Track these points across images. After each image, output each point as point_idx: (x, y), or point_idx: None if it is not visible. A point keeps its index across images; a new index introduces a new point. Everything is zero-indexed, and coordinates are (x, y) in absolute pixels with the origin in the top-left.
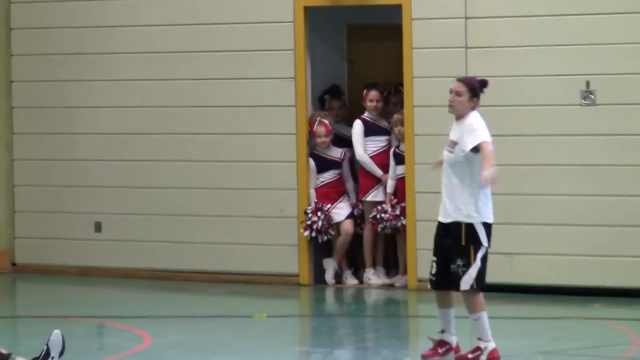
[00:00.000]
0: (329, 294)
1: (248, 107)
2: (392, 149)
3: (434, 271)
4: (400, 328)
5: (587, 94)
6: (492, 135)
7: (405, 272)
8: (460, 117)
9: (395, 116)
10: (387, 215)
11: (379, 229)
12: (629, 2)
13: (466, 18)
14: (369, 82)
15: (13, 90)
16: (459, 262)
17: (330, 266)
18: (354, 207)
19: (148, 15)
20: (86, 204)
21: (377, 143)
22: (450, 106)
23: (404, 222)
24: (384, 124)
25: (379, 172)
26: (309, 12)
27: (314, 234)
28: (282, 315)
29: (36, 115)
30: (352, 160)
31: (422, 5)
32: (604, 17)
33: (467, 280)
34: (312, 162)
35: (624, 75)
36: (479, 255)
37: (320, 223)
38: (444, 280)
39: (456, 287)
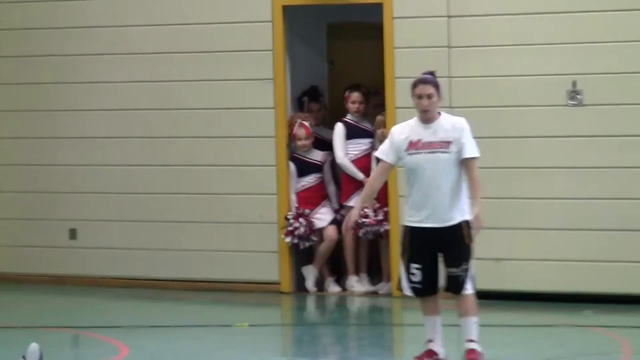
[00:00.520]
0: (311, 302)
1: (226, 110)
2: (374, 153)
3: (417, 279)
4: (385, 336)
5: (574, 94)
6: (474, 137)
7: (389, 279)
8: (431, 119)
9: (378, 118)
10: (369, 220)
11: (361, 234)
12: (614, 0)
13: (449, 17)
14: (350, 83)
15: None
16: (464, 265)
17: (310, 274)
18: (336, 212)
19: (129, 16)
20: (60, 210)
21: (360, 146)
22: (425, 111)
23: (387, 227)
24: (366, 125)
25: (360, 175)
26: (288, 11)
27: (295, 240)
28: (264, 324)
29: (9, 119)
30: (334, 163)
31: (404, 4)
32: (591, 15)
33: (470, 282)
34: (292, 166)
35: (611, 75)
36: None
37: (302, 229)
38: (433, 287)
39: (459, 290)
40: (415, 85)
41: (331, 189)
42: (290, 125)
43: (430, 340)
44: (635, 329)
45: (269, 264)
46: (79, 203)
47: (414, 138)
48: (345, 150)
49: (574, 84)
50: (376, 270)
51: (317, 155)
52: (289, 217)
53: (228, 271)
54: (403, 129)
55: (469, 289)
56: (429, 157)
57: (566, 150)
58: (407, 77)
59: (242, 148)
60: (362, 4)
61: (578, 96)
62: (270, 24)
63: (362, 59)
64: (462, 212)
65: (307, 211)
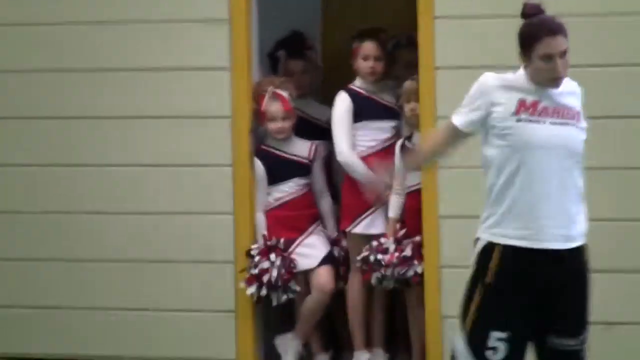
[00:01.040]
0: None
1: (147, 70)
2: (398, 143)
3: (500, 356)
4: None
5: None
6: None
7: (423, 357)
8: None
9: (407, 84)
10: (388, 257)
11: (374, 282)
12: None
13: None
14: (362, 26)
15: None
16: (586, 331)
17: (288, 348)
18: (333, 243)
19: None
20: None
21: (376, 132)
22: (558, 79)
23: (418, 269)
24: (387, 99)
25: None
26: None
27: (263, 291)
28: None
29: None
30: (331, 162)
31: None
32: None
33: None
34: (260, 166)
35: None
36: None
37: (275, 272)
38: None
39: None
40: (536, 36)
41: (325, 204)
42: (258, 97)
43: None
44: None
45: (220, 331)
46: None
47: (529, 98)
48: (351, 139)
49: None
50: (399, 341)
51: (302, 148)
52: (253, 252)
53: (150, 344)
54: (507, 79)
55: None
56: (556, 131)
57: None
58: (453, 15)
59: (173, 135)
60: None
61: None
62: None
63: None
64: (583, 229)
65: (283, 242)
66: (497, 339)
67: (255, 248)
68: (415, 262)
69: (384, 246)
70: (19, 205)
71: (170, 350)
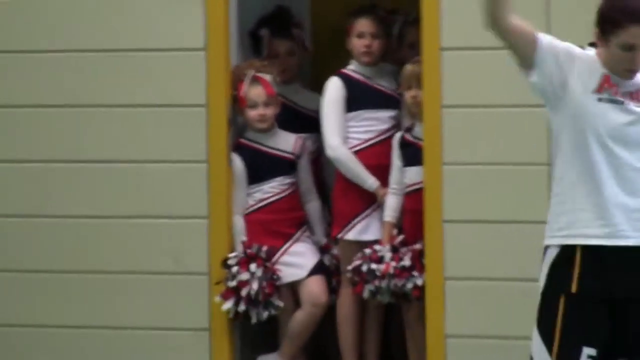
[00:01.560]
0: None
1: (107, 51)
2: (397, 136)
3: None
4: None
5: None
6: None
7: None
8: None
9: (408, 68)
10: (383, 268)
11: (366, 295)
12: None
13: None
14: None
15: None
16: None
17: None
18: (322, 250)
19: None
20: None
21: (372, 123)
22: (636, 71)
23: (418, 281)
24: (386, 85)
25: (370, 180)
26: None
27: (241, 306)
28: None
29: None
30: (319, 157)
31: None
32: None
33: None
34: (238, 162)
35: None
36: None
37: (255, 285)
38: None
39: None
40: (619, 23)
41: (312, 207)
42: (236, 83)
43: None
44: None
45: (192, 352)
46: None
47: (614, 80)
48: (343, 131)
49: None
50: None
51: (287, 142)
52: (230, 262)
53: None
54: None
55: None
56: (622, 111)
57: None
58: None
59: (136, 126)
60: None
61: None
62: None
63: None
64: None
65: (265, 250)
66: (588, 356)
67: (232, 257)
68: (415, 273)
69: (379, 254)
70: None
71: None
